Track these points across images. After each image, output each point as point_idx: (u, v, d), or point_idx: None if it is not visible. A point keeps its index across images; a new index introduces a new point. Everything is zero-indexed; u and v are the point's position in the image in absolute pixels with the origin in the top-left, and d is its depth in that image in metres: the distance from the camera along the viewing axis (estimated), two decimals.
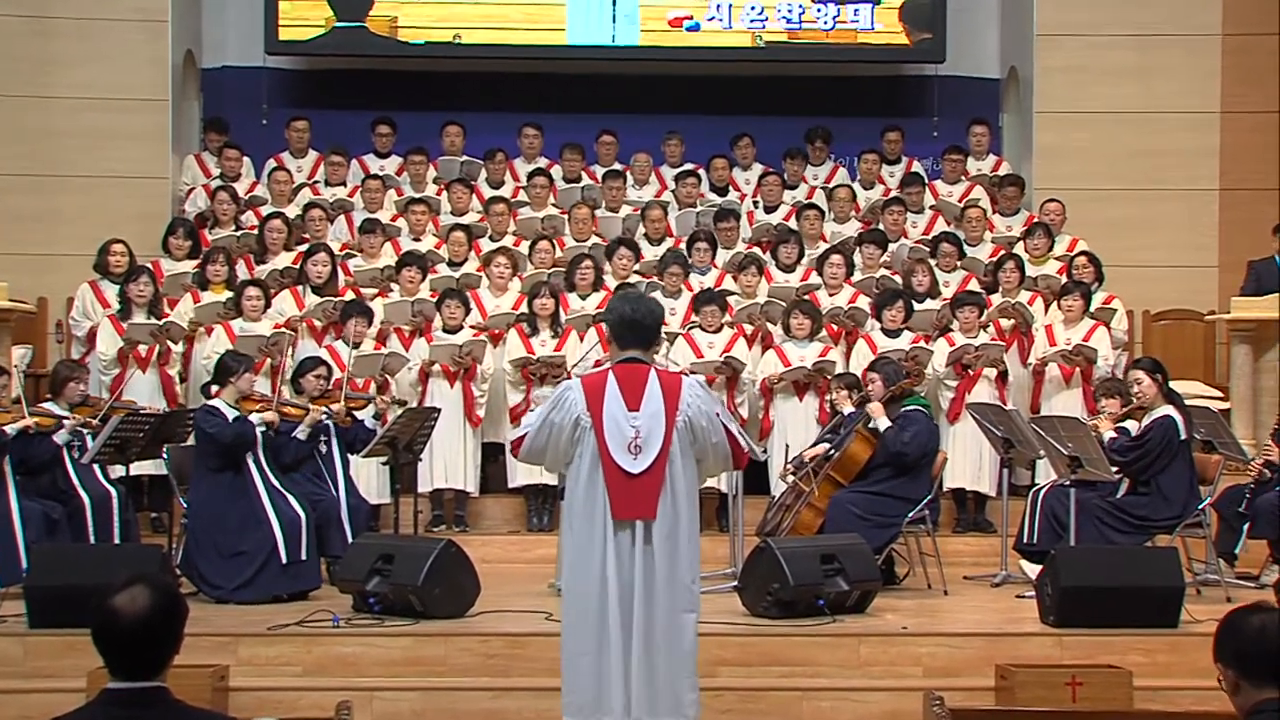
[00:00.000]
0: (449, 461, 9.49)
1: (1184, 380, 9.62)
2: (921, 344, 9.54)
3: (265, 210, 10.93)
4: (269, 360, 9.20)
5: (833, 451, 8.26)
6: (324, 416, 8.33)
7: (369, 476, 9.03)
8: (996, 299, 10.04)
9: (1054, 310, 10.01)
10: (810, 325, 9.53)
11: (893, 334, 9.62)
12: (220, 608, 7.37)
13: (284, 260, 10.25)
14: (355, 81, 12.59)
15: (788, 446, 8.88)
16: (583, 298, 9.98)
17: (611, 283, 10.04)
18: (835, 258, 10.21)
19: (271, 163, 11.60)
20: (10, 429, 7.77)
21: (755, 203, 11.60)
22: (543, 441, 5.16)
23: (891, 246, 10.77)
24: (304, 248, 10.24)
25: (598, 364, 8.20)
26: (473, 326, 9.72)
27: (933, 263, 10.34)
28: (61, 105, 11.49)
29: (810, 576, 7.02)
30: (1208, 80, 11.87)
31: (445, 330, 9.62)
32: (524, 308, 9.83)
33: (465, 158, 11.81)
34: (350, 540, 7.84)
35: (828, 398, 9.16)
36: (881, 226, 10.99)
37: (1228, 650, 3.24)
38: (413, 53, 12.38)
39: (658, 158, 11.93)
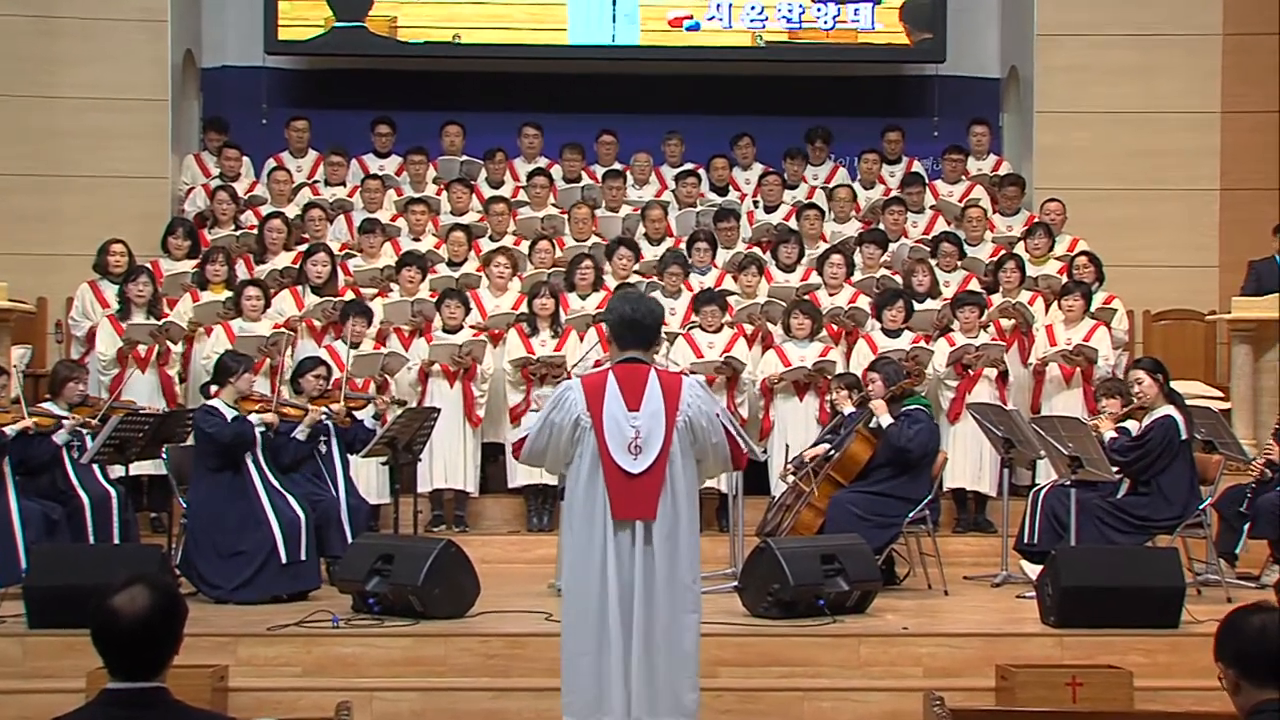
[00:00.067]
0: (449, 461, 9.48)
1: (1184, 380, 9.61)
2: (922, 344, 9.53)
3: (265, 210, 10.92)
4: (268, 360, 9.20)
5: (833, 452, 8.25)
6: (323, 417, 8.32)
7: (369, 476, 9.03)
8: (997, 299, 10.04)
9: (1054, 310, 10.00)
10: (810, 325, 9.53)
11: (893, 334, 9.61)
12: (220, 608, 7.37)
13: (283, 260, 10.24)
14: (355, 81, 12.58)
15: (788, 446, 8.87)
16: (583, 298, 9.98)
17: (611, 283, 10.04)
18: (835, 258, 10.21)
19: (271, 162, 11.60)
20: (10, 430, 7.76)
21: (755, 203, 11.60)
22: (543, 443, 5.16)
23: (892, 246, 10.77)
24: (304, 248, 10.24)
25: (598, 364, 8.20)
26: (473, 326, 9.71)
27: (933, 263, 10.34)
28: (65, 105, 11.49)
29: (810, 577, 7.02)
30: (1208, 80, 11.87)
31: (445, 330, 9.61)
32: (524, 308, 9.83)
33: (465, 158, 11.81)
34: (350, 540, 7.84)
35: (828, 398, 9.16)
36: (882, 226, 10.99)
37: (1228, 650, 3.24)
38: (412, 52, 12.37)
39: (658, 158, 11.92)
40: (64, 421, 7.99)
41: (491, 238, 10.78)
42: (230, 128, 11.99)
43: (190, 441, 8.02)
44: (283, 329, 9.32)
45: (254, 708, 5.92)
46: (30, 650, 6.52)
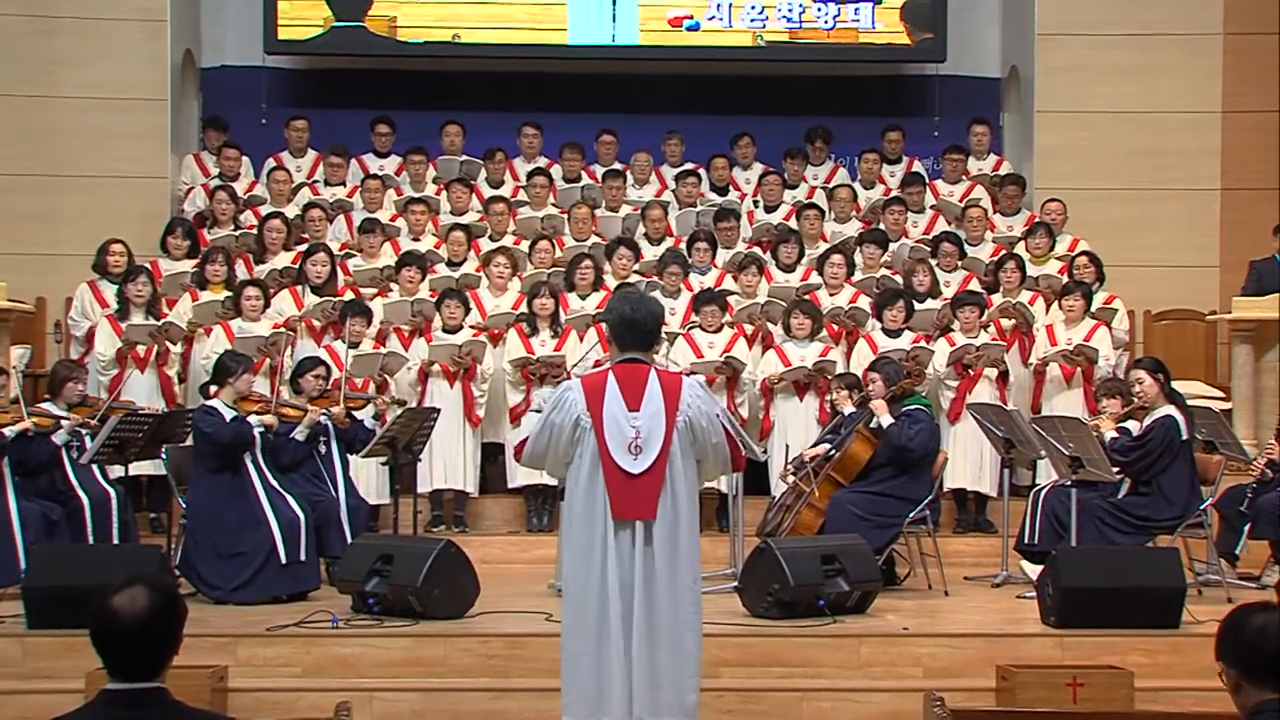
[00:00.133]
0: (448, 462, 9.48)
1: (1185, 380, 9.60)
2: (922, 344, 9.53)
3: (264, 210, 10.92)
4: (268, 360, 9.19)
5: (833, 452, 8.25)
6: (322, 417, 8.31)
7: (368, 477, 9.02)
8: (997, 299, 10.03)
9: (1055, 310, 10.00)
10: (811, 325, 9.52)
11: (893, 334, 9.61)
12: (219, 608, 7.36)
13: (283, 260, 10.24)
14: (354, 81, 12.57)
15: (788, 447, 8.87)
16: (582, 298, 9.97)
17: (611, 283, 10.03)
18: (836, 257, 10.20)
19: (271, 162, 11.59)
20: (9, 430, 7.76)
21: (755, 202, 11.59)
22: (544, 445, 5.16)
23: (892, 246, 10.77)
24: (303, 248, 10.23)
25: (598, 364, 8.19)
26: (472, 326, 9.71)
27: (933, 262, 10.33)
28: (65, 105, 11.48)
29: (811, 577, 7.02)
30: (1209, 80, 11.87)
31: (445, 330, 9.61)
32: (524, 308, 9.82)
33: (465, 157, 11.80)
34: (349, 541, 7.83)
35: (828, 398, 9.15)
36: (882, 226, 10.98)
37: (1229, 650, 3.24)
38: (412, 52, 12.37)
39: (658, 157, 11.92)
40: (63, 422, 7.99)
41: (491, 238, 10.77)
42: (230, 127, 11.99)
43: (189, 442, 8.01)
44: (282, 329, 9.32)
45: (253, 708, 5.92)
46: (30, 650, 6.51)
